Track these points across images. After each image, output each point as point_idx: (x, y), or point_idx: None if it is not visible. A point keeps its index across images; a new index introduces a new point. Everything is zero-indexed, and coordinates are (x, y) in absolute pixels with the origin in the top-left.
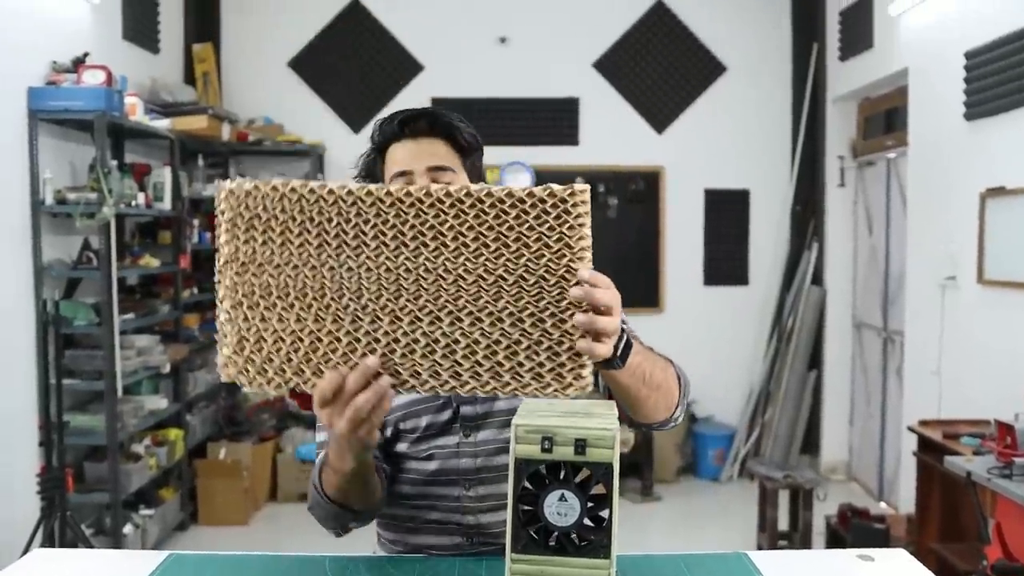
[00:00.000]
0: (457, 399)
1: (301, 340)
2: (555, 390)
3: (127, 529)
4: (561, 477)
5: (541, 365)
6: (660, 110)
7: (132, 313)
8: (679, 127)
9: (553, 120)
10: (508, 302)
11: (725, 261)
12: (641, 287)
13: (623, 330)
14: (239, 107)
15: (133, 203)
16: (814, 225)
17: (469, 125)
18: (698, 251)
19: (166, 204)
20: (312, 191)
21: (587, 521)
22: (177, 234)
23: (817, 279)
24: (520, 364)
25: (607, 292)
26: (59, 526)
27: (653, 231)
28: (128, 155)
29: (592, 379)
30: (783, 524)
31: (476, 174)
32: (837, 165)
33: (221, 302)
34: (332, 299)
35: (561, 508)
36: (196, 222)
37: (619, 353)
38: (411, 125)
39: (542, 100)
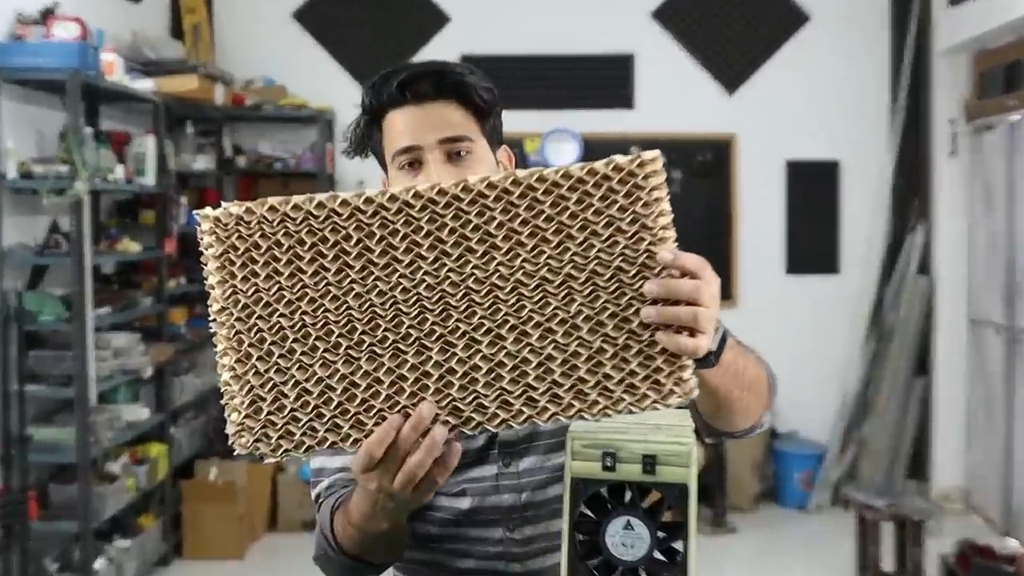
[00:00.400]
0: None
1: (332, 388)
2: (654, 401)
3: (99, 564)
4: (626, 501)
5: (633, 374)
6: (731, 67)
7: (108, 307)
8: (754, 87)
9: (603, 80)
10: (582, 304)
11: (811, 245)
12: None
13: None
14: (235, 66)
15: (110, 177)
16: (919, 203)
17: (483, 78)
18: (778, 233)
19: (149, 179)
20: (321, 205)
21: (658, 555)
22: (162, 214)
23: (924, 267)
24: (607, 376)
25: (688, 282)
26: (19, 561)
27: (724, 210)
28: (105, 121)
29: (696, 382)
30: (887, 564)
31: (496, 139)
32: (947, 131)
33: (222, 357)
34: (364, 333)
35: (626, 538)
36: (184, 200)
37: (715, 348)
38: (413, 87)
39: (590, 57)
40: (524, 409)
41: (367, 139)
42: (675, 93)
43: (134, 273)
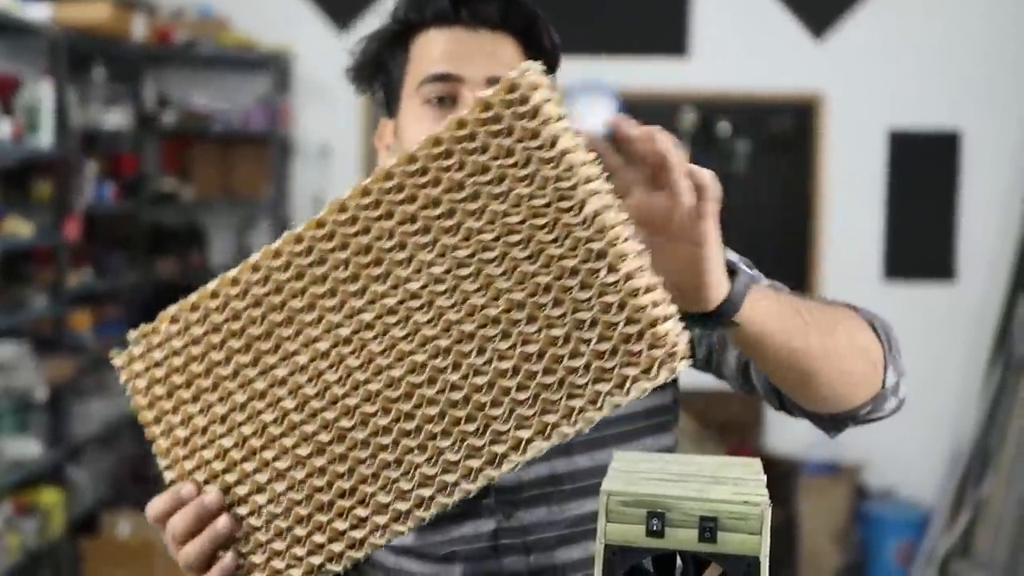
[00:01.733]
0: None
1: (300, 503)
2: (635, 379)
3: None
4: None
5: (597, 354)
6: (819, 4)
7: None
8: (848, 31)
9: (650, 19)
10: (507, 288)
11: (919, 243)
12: (784, 276)
13: (733, 265)
14: None
15: None
16: None
17: (549, 25)
18: (875, 227)
19: (45, 138)
20: (214, 294)
21: None
22: (62, 186)
23: None
24: (569, 369)
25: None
26: None
27: (805, 194)
28: None
29: (687, 343)
30: None
31: None
32: None
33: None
34: (305, 423)
35: None
36: (92, 167)
37: (730, 294)
38: (472, 5)
39: None
40: (494, 449)
41: (385, 61)
42: (744, 37)
43: (24, 264)
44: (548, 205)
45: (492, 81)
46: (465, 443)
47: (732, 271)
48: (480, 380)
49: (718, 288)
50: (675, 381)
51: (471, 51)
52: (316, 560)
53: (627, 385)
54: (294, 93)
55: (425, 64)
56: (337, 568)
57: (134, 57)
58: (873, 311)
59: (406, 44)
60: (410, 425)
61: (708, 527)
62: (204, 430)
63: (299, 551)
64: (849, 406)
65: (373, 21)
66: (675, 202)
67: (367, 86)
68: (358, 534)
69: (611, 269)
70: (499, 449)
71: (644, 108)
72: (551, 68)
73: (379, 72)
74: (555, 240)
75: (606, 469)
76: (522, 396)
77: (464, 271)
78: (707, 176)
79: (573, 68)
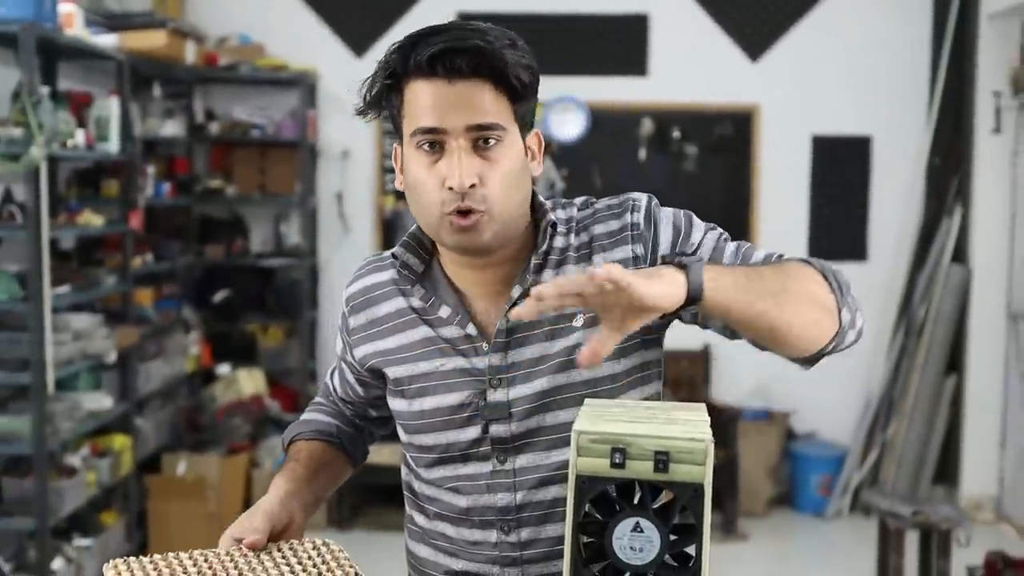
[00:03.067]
0: (487, 414)
1: None
2: None
3: (57, 564)
4: (636, 501)
5: None
6: (755, 31)
7: (67, 285)
8: (780, 54)
9: (615, 43)
10: None
11: (837, 229)
12: None
13: (684, 258)
14: (208, 21)
15: (69, 143)
16: (958, 184)
17: (526, 52)
18: (801, 216)
19: (112, 145)
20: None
21: (669, 559)
22: (127, 184)
23: (960, 255)
24: None
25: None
26: None
27: (743, 189)
28: (63, 81)
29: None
30: (911, 575)
31: (528, 122)
32: (991, 104)
33: None
34: None
35: (635, 541)
36: (151, 169)
37: (689, 290)
38: (445, 61)
39: (600, 17)
40: None
41: (384, 102)
42: (693, 59)
43: (96, 249)
44: None
45: (472, 128)
46: None
47: (684, 266)
48: None
49: (671, 297)
50: (660, 341)
51: (450, 104)
52: None
53: None
54: (319, 107)
55: (416, 114)
56: None
57: (186, 77)
58: (823, 261)
59: (400, 88)
60: None
61: (662, 460)
62: None
63: None
64: (816, 347)
65: (383, 48)
66: (602, 298)
67: (376, 114)
68: None
69: None
70: None
71: (610, 118)
72: (523, 98)
73: (382, 108)
74: None
75: None
76: None
77: None
78: (595, 275)
79: (551, 85)
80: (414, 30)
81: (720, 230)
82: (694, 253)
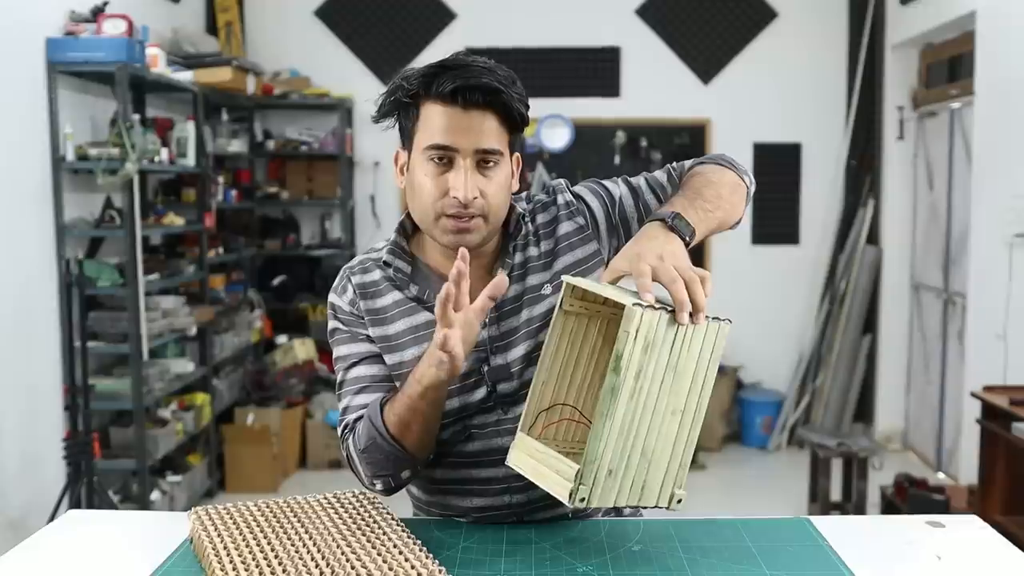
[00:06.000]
0: (492, 376)
1: None
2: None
3: (154, 496)
4: None
5: None
6: (707, 59)
7: (156, 274)
8: (727, 77)
9: (593, 71)
10: None
11: (774, 219)
12: None
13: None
14: (263, 59)
15: (156, 159)
16: (870, 181)
17: (522, 90)
18: (747, 208)
19: (190, 160)
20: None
21: None
22: (201, 192)
23: (873, 238)
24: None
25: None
26: (86, 492)
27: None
28: (150, 109)
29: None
30: (836, 495)
31: (515, 147)
32: (896, 116)
33: None
34: None
35: None
36: (221, 179)
37: (687, 239)
38: (465, 93)
39: (582, 49)
40: None
41: (400, 114)
42: (656, 83)
43: (178, 244)
44: None
45: (479, 151)
46: None
47: (663, 220)
48: None
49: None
50: None
51: (464, 128)
52: None
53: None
54: (355, 126)
55: (431, 131)
56: None
57: (247, 104)
58: (713, 154)
59: (417, 106)
60: None
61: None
62: None
63: None
64: (742, 214)
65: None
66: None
67: (386, 120)
68: None
69: None
70: None
71: (590, 131)
72: (519, 130)
73: (396, 117)
74: None
75: None
76: None
77: None
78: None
79: (542, 105)
80: (433, 61)
81: (622, 178)
82: (623, 208)
